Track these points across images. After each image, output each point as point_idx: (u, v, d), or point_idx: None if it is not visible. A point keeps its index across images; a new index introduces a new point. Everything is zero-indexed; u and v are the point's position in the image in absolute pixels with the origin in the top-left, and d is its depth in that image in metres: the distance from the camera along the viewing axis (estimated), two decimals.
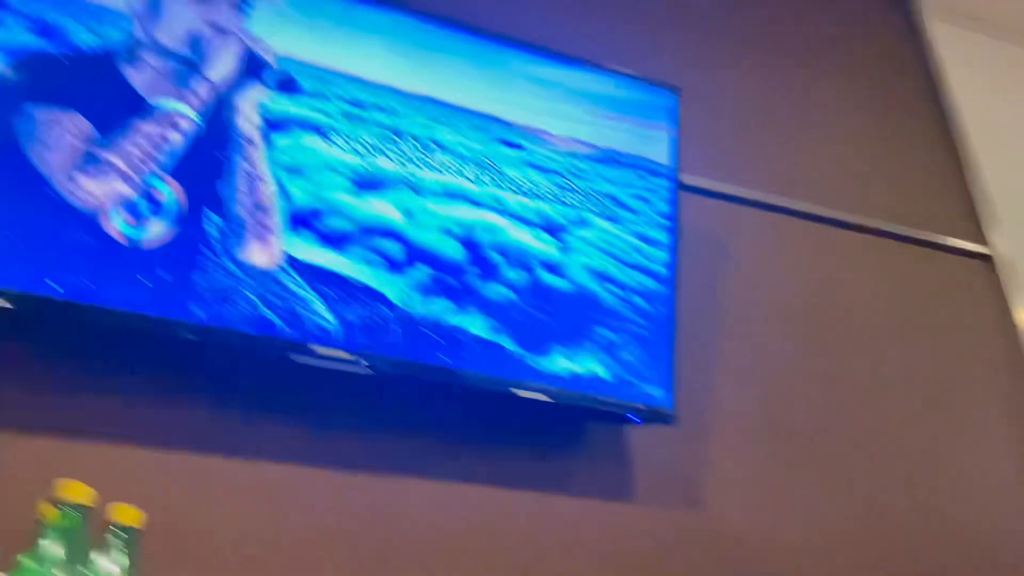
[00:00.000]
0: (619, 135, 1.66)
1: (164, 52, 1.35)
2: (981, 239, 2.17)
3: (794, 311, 1.89)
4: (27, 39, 1.29)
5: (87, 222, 1.22)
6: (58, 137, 1.24)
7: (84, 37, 1.32)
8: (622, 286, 1.54)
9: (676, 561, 1.51)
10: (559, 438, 1.54)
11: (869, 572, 1.64)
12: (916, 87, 2.40)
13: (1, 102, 1.23)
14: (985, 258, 2.15)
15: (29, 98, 1.25)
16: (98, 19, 1.33)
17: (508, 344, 1.41)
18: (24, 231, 1.18)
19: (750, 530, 1.59)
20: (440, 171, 1.49)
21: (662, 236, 1.61)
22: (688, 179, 1.89)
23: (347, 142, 1.44)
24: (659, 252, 1.60)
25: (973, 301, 2.08)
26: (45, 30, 1.31)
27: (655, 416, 1.48)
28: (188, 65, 1.35)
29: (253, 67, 1.38)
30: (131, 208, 1.25)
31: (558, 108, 1.63)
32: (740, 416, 1.70)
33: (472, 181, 1.50)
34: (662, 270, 1.59)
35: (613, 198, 1.60)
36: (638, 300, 1.54)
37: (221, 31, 1.38)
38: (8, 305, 1.15)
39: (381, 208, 1.42)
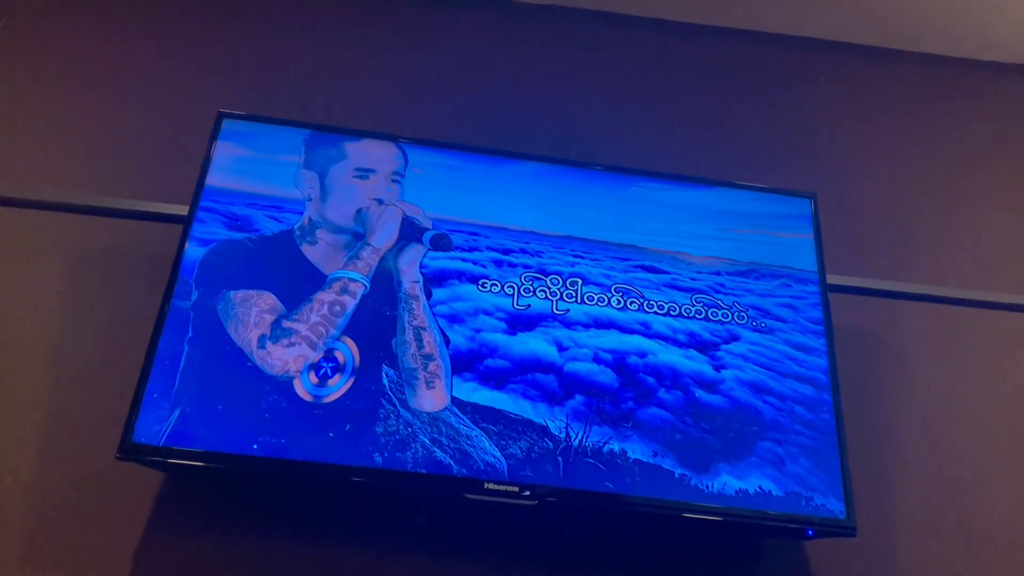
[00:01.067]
0: (759, 247, 1.69)
1: (335, 228, 1.53)
2: None
3: (974, 403, 1.79)
4: (221, 232, 1.51)
5: (280, 386, 1.37)
6: (251, 314, 1.42)
7: (268, 224, 1.53)
8: (781, 397, 1.53)
9: None
10: (734, 558, 1.51)
11: None
12: None
13: (204, 289, 1.44)
14: None
15: (225, 283, 1.45)
16: (279, 208, 1.54)
17: (671, 466, 1.43)
18: (229, 400, 1.35)
19: None
20: (586, 303, 1.57)
21: (816, 342, 1.60)
22: (841, 280, 1.88)
23: (498, 286, 1.55)
24: (815, 359, 1.58)
25: None
26: (235, 222, 1.52)
27: (832, 528, 1.43)
28: (356, 236, 1.53)
29: (411, 231, 1.54)
30: (316, 369, 1.40)
31: (694, 229, 1.69)
32: (929, 522, 1.61)
33: (617, 308, 1.57)
34: (820, 376, 1.57)
35: (761, 310, 1.62)
36: (799, 410, 1.53)
37: (381, 203, 1.56)
38: (217, 465, 1.31)
39: (534, 344, 1.51)
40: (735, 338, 1.58)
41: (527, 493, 1.37)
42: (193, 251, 1.47)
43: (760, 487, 1.44)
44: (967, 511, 1.63)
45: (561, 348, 1.52)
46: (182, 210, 1.57)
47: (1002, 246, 2.08)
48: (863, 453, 1.64)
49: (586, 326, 1.55)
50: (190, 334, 1.40)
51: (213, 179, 1.56)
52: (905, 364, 1.83)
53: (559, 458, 1.41)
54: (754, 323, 1.60)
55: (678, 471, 1.43)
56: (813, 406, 1.54)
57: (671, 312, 1.58)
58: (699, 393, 1.51)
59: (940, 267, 2.02)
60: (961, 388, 1.81)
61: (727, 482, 1.43)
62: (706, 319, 1.59)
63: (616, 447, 1.43)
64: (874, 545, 1.55)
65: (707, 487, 1.42)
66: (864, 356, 1.82)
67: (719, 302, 1.61)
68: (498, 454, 1.39)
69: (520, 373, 1.48)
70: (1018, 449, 1.73)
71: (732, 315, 1.60)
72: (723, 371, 1.54)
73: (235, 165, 1.58)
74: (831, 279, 1.80)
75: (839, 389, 1.56)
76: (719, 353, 1.56)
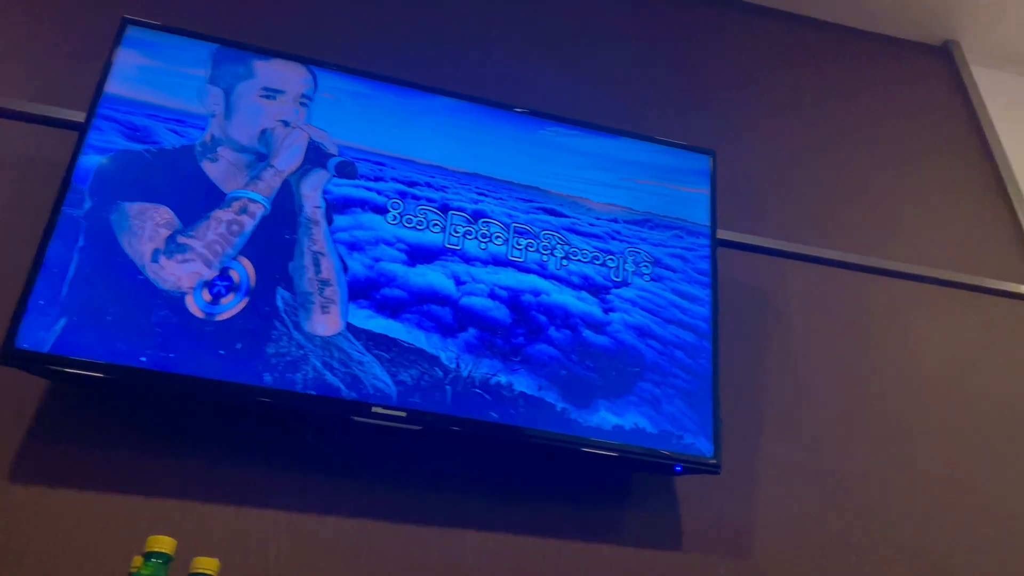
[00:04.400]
0: (656, 198, 1.75)
1: (238, 147, 1.52)
2: None
3: (842, 360, 1.91)
4: (119, 142, 1.48)
5: (171, 301, 1.37)
6: (146, 227, 1.41)
7: (168, 138, 1.50)
8: (663, 341, 1.61)
9: None
10: (607, 490, 1.60)
11: None
12: (960, 133, 2.43)
13: (98, 199, 1.41)
14: None
15: (121, 194, 1.43)
16: (180, 121, 1.52)
17: (553, 399, 1.50)
18: (118, 311, 1.35)
19: None
20: (486, 240, 1.61)
21: (702, 292, 1.69)
22: (732, 236, 1.97)
23: (401, 218, 1.57)
24: (699, 308, 1.67)
25: None
26: (134, 133, 1.49)
27: (699, 466, 1.53)
28: (259, 157, 1.52)
29: (316, 156, 1.54)
30: (209, 287, 1.40)
31: (597, 176, 1.74)
32: (790, 466, 1.73)
33: (516, 248, 1.62)
34: (702, 325, 1.65)
35: (652, 258, 1.69)
36: (679, 355, 1.61)
37: (287, 125, 1.55)
38: (102, 375, 1.31)
39: (432, 277, 1.54)
40: (625, 283, 1.65)
41: (414, 419, 1.41)
42: (88, 159, 1.44)
43: (636, 424, 1.53)
44: (827, 458, 1.76)
45: (459, 282, 1.56)
46: (79, 116, 1.53)
47: (890, 213, 2.20)
48: (737, 400, 1.75)
49: (484, 262, 1.59)
50: (81, 243, 1.38)
51: (113, 87, 1.51)
52: (786, 321, 1.94)
53: (448, 387, 1.46)
54: (645, 270, 1.67)
55: (560, 405, 1.50)
56: (693, 352, 1.63)
57: (567, 255, 1.64)
58: (587, 333, 1.58)
59: (829, 230, 2.13)
60: (836, 348, 1.93)
61: (605, 417, 1.51)
62: (600, 264, 1.65)
63: (504, 379, 1.49)
64: (738, 484, 1.67)
65: (586, 421, 1.50)
66: (749, 310, 1.92)
67: (613, 248, 1.67)
68: (388, 380, 1.43)
69: (416, 304, 1.51)
70: (881, 406, 1.87)
71: (625, 262, 1.67)
72: (611, 314, 1.61)
73: (137, 74, 1.54)
74: (723, 234, 1.90)
75: (718, 338, 1.65)
76: (609, 296, 1.63)
